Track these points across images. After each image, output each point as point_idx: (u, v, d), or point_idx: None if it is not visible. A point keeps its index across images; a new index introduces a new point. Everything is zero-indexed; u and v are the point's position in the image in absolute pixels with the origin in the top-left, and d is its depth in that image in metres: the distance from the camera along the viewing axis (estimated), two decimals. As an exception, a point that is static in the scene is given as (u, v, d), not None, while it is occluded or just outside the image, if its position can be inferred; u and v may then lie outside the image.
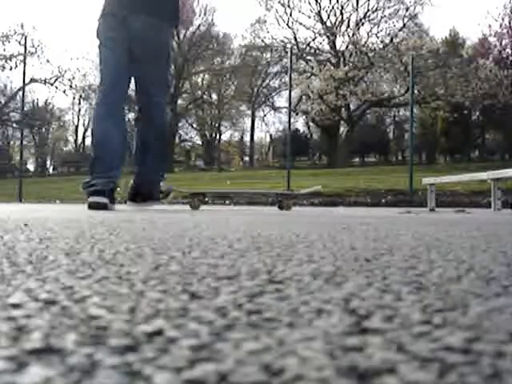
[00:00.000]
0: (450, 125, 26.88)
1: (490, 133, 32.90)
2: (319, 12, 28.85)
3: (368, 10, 28.95)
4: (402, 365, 0.30)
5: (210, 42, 32.09)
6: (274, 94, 34.37)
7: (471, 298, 0.50)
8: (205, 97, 32.59)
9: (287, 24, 28.78)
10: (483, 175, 5.05)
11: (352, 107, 26.78)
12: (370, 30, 28.68)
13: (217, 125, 35.66)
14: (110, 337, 0.35)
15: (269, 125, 40.12)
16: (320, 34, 28.55)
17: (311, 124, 33.70)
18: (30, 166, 40.90)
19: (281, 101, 41.87)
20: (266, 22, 28.96)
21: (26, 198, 10.76)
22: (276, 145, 39.67)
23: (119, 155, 3.88)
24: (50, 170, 41.71)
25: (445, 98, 21.78)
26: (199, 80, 34.21)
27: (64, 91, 25.13)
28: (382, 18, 29.00)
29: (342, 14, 28.84)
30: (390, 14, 28.85)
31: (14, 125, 32.04)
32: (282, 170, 9.95)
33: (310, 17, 29.00)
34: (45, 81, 25.25)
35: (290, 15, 28.79)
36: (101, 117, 3.87)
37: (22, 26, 21.81)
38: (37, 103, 36.24)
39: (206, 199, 4.43)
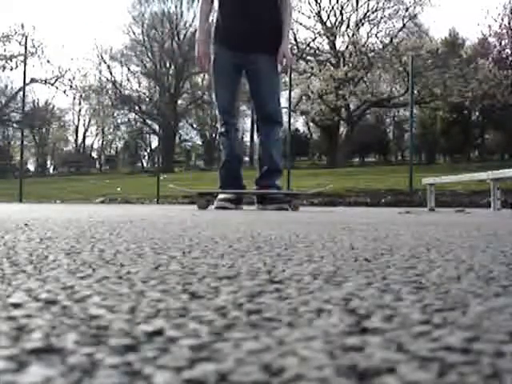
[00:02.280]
0: (450, 125, 26.89)
1: (489, 133, 32.89)
2: (319, 12, 28.84)
3: (368, 11, 28.96)
4: (402, 364, 0.30)
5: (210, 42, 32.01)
6: (274, 94, 34.28)
7: (471, 298, 0.50)
8: (205, 97, 32.60)
9: (287, 24, 28.72)
10: (483, 175, 5.05)
11: (352, 107, 26.77)
12: (370, 31, 28.69)
13: (217, 125, 35.66)
14: (110, 336, 0.35)
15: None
16: (320, 35, 28.51)
17: (311, 124, 33.69)
18: (31, 166, 40.94)
19: (281, 101, 41.75)
20: (265, 22, 28.87)
21: (27, 198, 10.77)
22: (276, 145, 39.56)
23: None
24: (51, 170, 41.72)
25: (444, 98, 21.78)
26: (199, 80, 34.21)
27: (64, 91, 25.17)
28: (381, 18, 29.00)
29: (341, 14, 28.84)
30: (389, 15, 28.85)
31: (15, 125, 32.07)
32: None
33: (309, 17, 28.98)
34: (45, 81, 25.27)
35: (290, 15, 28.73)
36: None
37: (22, 27, 21.82)
38: (37, 103, 36.29)
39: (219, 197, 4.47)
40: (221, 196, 4.42)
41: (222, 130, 4.46)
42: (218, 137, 4.71)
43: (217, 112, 4.49)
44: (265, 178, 4.47)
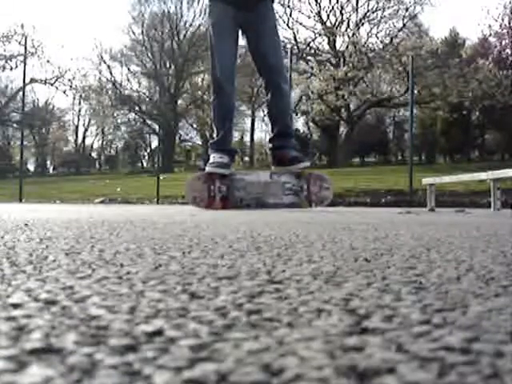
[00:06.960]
0: (450, 125, 26.86)
1: (489, 133, 32.86)
2: (319, 12, 28.82)
3: (368, 11, 28.93)
4: (402, 365, 0.30)
5: (210, 42, 31.96)
6: (274, 94, 34.19)
7: (471, 298, 0.50)
8: (205, 97, 32.58)
9: (287, 24, 28.74)
10: (483, 175, 5.05)
11: (352, 107, 26.77)
12: (370, 31, 28.68)
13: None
14: (110, 337, 0.35)
15: (269, 125, 39.92)
16: (320, 35, 28.49)
17: (311, 124, 33.67)
18: (31, 166, 40.92)
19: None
20: (266, 22, 28.81)
21: (27, 197, 10.77)
22: (276, 145, 39.49)
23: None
24: (50, 170, 41.71)
25: (443, 98, 21.78)
26: (199, 80, 34.20)
27: (64, 91, 25.17)
28: (381, 18, 28.97)
29: (341, 14, 28.83)
30: (389, 15, 28.81)
31: (15, 125, 32.07)
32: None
33: (309, 17, 28.96)
34: (45, 81, 25.27)
35: (290, 16, 28.74)
36: None
37: (22, 27, 21.82)
38: (37, 103, 36.28)
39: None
40: (213, 159, 4.19)
41: (217, 96, 4.14)
42: (212, 104, 4.32)
43: (215, 76, 4.14)
44: (278, 140, 4.39)
